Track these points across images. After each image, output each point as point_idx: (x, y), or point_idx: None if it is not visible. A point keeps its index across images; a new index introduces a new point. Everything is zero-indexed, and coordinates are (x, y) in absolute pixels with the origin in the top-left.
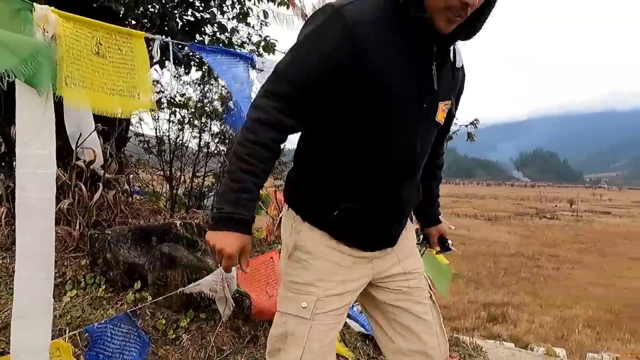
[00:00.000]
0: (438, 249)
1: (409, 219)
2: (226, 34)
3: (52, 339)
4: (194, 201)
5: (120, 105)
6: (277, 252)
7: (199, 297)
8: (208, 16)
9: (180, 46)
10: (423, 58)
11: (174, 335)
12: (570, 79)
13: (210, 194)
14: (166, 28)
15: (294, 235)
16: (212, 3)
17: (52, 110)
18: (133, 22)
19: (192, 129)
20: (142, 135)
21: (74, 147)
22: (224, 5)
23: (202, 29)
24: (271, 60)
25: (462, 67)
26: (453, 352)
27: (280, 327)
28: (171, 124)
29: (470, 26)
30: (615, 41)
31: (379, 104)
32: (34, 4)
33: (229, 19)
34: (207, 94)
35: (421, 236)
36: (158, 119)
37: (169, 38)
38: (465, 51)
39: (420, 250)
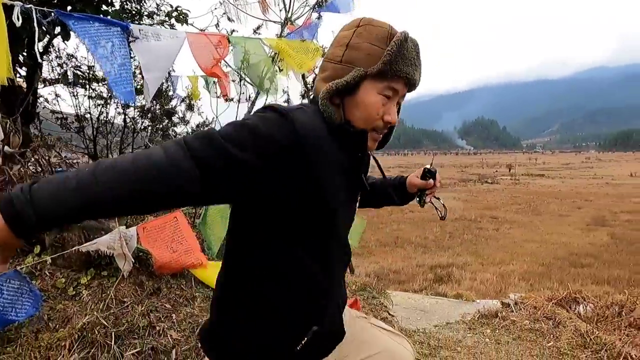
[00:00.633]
0: (431, 181)
1: None
2: (133, 4)
3: None
4: None
5: None
6: (181, 212)
7: (97, 254)
8: None
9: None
10: (356, 167)
11: (74, 292)
12: (506, 50)
13: None
14: None
15: None
16: None
17: None
18: None
19: (117, 105)
20: (60, 112)
21: None
22: None
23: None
24: (150, 29)
25: None
26: (357, 295)
27: None
28: (91, 100)
29: (384, 139)
30: (545, 14)
31: (320, 217)
32: None
33: None
34: None
35: (417, 197)
36: (77, 95)
37: (31, 5)
38: (410, 25)
39: (420, 202)
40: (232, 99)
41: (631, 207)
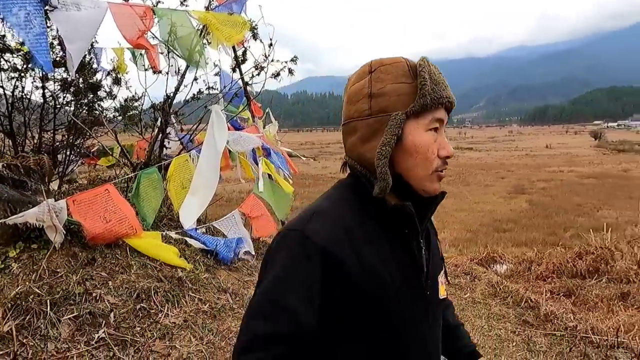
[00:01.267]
0: None
1: None
2: None
3: None
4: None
5: None
6: (112, 185)
7: (25, 227)
8: None
9: None
10: (412, 244)
11: (3, 265)
12: (437, 27)
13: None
14: None
15: None
16: None
17: None
18: None
19: (34, 79)
20: None
21: None
22: None
23: None
24: None
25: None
26: None
27: None
28: (3, 72)
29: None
30: None
31: (375, 322)
32: None
33: None
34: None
35: None
36: None
37: None
38: (333, 3)
39: None
40: (160, 72)
41: (546, 176)
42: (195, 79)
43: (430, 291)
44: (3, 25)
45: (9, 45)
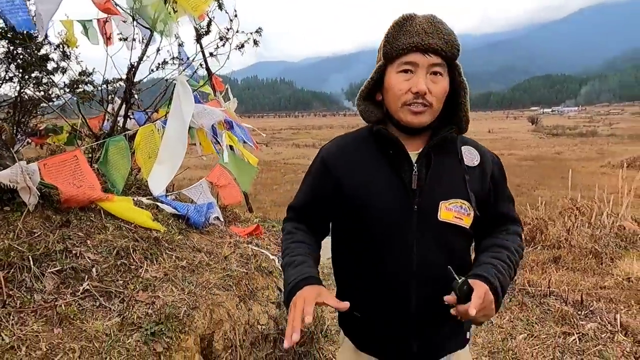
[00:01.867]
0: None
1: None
2: None
3: None
4: None
5: None
6: (80, 151)
7: None
8: None
9: None
10: (402, 165)
11: None
12: (390, 14)
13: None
14: None
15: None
16: None
17: None
18: None
19: None
20: None
21: None
22: None
23: None
24: None
25: (481, 164)
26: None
27: None
28: None
29: (454, 116)
30: None
31: (359, 219)
32: None
33: None
34: None
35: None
36: None
37: None
38: None
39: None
40: (125, 39)
41: None
42: (159, 49)
43: (420, 208)
44: None
45: None
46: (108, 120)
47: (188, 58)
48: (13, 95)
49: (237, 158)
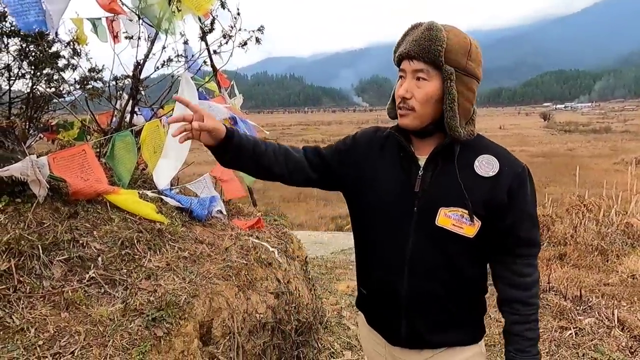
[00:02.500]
0: None
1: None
2: None
3: None
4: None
5: None
6: (89, 145)
7: (11, 180)
8: None
9: None
10: (410, 167)
11: None
12: (392, 13)
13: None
14: None
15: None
16: None
17: None
18: None
19: None
20: None
21: None
22: None
23: None
24: None
25: (498, 175)
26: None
27: None
28: None
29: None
30: None
31: (363, 205)
32: None
33: None
34: None
35: None
36: None
37: None
38: None
39: None
40: (131, 37)
41: None
42: (164, 47)
43: (420, 210)
44: None
45: None
46: (116, 116)
47: (193, 55)
48: (26, 92)
49: None
